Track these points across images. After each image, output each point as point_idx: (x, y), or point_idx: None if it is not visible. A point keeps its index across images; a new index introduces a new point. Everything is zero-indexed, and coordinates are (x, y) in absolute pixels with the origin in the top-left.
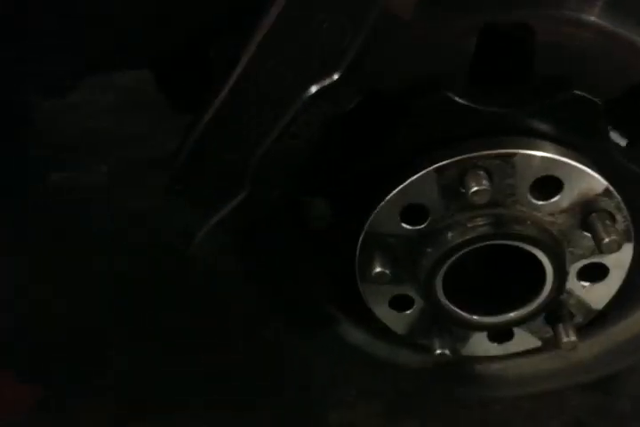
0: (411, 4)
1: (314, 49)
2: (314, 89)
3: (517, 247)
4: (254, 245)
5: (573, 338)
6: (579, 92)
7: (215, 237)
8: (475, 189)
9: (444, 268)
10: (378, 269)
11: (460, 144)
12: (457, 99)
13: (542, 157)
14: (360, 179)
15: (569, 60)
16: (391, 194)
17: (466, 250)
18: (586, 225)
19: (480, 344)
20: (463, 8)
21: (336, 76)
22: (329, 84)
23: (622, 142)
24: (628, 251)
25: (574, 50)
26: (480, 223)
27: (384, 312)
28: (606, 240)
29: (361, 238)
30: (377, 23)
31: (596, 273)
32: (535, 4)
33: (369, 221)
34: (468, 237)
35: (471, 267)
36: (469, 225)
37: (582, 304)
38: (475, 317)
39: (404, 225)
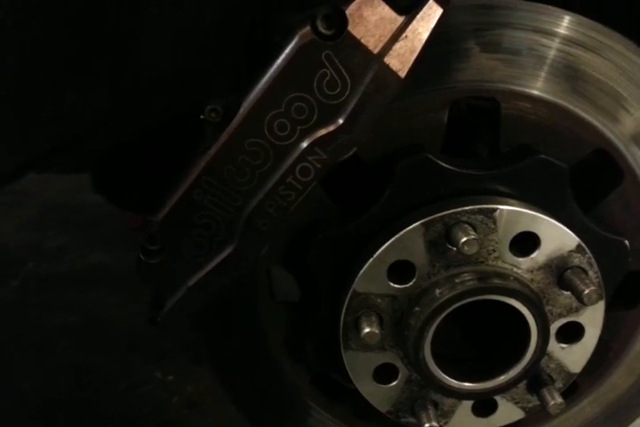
0: (408, 64)
1: (313, 101)
2: (311, 139)
3: (500, 310)
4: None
5: (560, 400)
6: (546, 158)
7: (188, 303)
8: (464, 239)
9: (433, 327)
10: (367, 330)
11: (442, 202)
12: (437, 161)
13: (521, 213)
14: (346, 239)
15: (531, 132)
16: (378, 251)
17: (455, 306)
18: (562, 282)
19: (465, 419)
20: (435, 84)
21: (333, 127)
22: (325, 135)
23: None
24: (600, 308)
25: (534, 124)
26: (467, 278)
27: (368, 387)
28: (586, 291)
29: (347, 300)
30: (375, 79)
31: (572, 333)
32: (500, 81)
33: (355, 281)
34: (456, 292)
35: (456, 333)
36: (457, 281)
37: (561, 367)
38: (464, 383)
39: (391, 284)
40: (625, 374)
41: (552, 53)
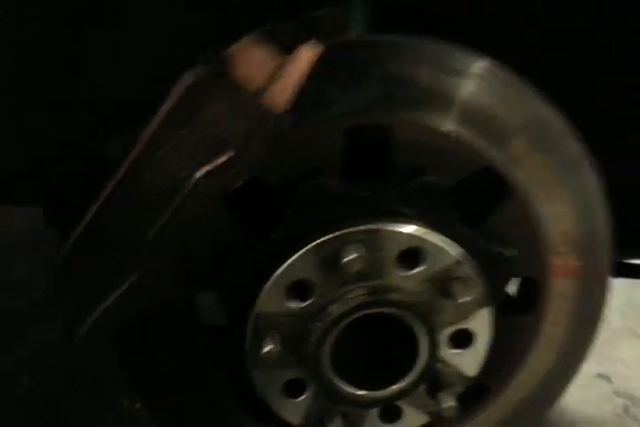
0: (286, 101)
1: (200, 137)
2: (201, 173)
3: (393, 321)
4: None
5: (452, 403)
6: (429, 179)
7: (105, 323)
8: (347, 258)
9: (331, 342)
10: (268, 348)
11: (336, 224)
12: (331, 186)
13: (403, 232)
14: (249, 263)
15: (421, 155)
16: (276, 273)
17: (348, 320)
18: (447, 293)
19: (374, 426)
20: (329, 110)
21: (224, 159)
22: (214, 169)
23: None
24: (487, 315)
25: (424, 148)
26: (358, 294)
27: (277, 402)
28: (462, 300)
29: (250, 321)
30: (257, 115)
31: (463, 340)
32: (390, 110)
33: (257, 303)
34: (348, 307)
35: (358, 345)
36: (349, 297)
37: (457, 372)
38: (364, 392)
39: (290, 303)
40: (529, 375)
41: (435, 84)
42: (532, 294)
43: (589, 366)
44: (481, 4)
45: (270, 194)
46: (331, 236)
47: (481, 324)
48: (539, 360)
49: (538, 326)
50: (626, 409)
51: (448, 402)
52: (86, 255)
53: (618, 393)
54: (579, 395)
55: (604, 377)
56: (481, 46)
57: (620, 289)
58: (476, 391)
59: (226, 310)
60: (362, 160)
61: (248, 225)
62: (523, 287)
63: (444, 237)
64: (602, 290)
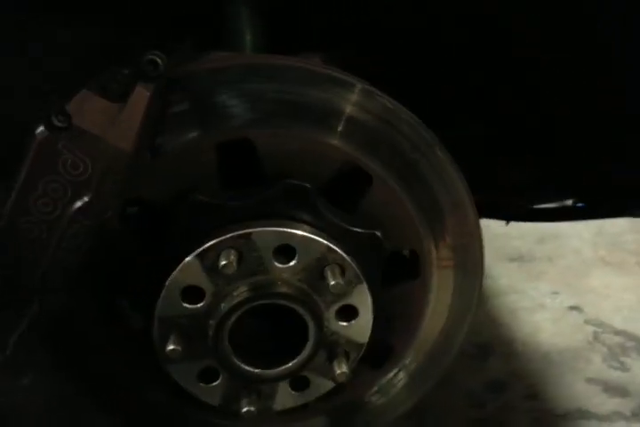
0: (131, 140)
1: (63, 181)
2: (71, 210)
3: (282, 308)
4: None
5: (345, 369)
6: (291, 181)
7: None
8: (222, 263)
9: (226, 333)
10: (170, 347)
11: (214, 233)
12: (206, 199)
13: (272, 231)
14: (147, 274)
15: (285, 161)
16: (168, 280)
17: (237, 314)
18: (324, 277)
19: (286, 397)
20: (194, 132)
21: (86, 199)
22: (82, 205)
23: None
24: (363, 290)
25: (287, 154)
26: (242, 290)
27: (196, 388)
28: (332, 283)
29: (155, 325)
30: (108, 156)
31: (348, 313)
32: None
33: (157, 308)
34: (233, 303)
35: (257, 332)
36: (235, 294)
37: (350, 341)
38: (269, 370)
39: (185, 305)
40: (429, 329)
41: (283, 97)
42: (416, 263)
43: (562, 300)
44: None
45: (159, 212)
46: (207, 245)
47: (361, 298)
48: (433, 318)
49: (426, 290)
50: (596, 336)
51: (341, 368)
52: None
53: (588, 322)
54: (551, 328)
55: (576, 308)
56: None
57: (593, 220)
58: (385, 351)
59: (139, 315)
60: (235, 172)
61: (145, 241)
62: (410, 256)
63: (312, 229)
64: (478, 249)
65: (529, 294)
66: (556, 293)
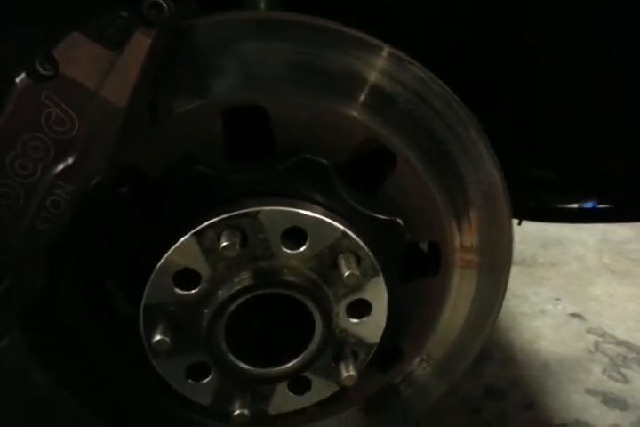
0: (126, 94)
1: (46, 139)
2: (53, 173)
3: (287, 298)
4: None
5: (352, 372)
6: (307, 156)
7: None
8: (223, 244)
9: (222, 324)
10: (157, 338)
11: (215, 209)
12: (208, 171)
13: (282, 211)
14: (137, 253)
15: (300, 133)
16: (159, 263)
17: (237, 303)
18: (337, 266)
19: (283, 399)
20: (200, 94)
21: (71, 160)
22: (65, 168)
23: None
24: (380, 284)
25: (302, 125)
26: (244, 277)
27: (183, 385)
28: (347, 274)
29: (141, 312)
30: (98, 112)
31: (361, 309)
32: (263, 89)
33: (145, 294)
34: (234, 290)
35: (256, 325)
36: (235, 280)
37: (359, 340)
38: (268, 369)
39: (178, 291)
40: (444, 334)
41: (299, 60)
42: (437, 257)
43: (564, 306)
44: None
45: (153, 183)
46: (206, 223)
47: (376, 292)
48: (449, 322)
49: (445, 288)
50: (597, 346)
51: (348, 371)
52: None
53: (590, 331)
54: (552, 335)
55: (577, 316)
56: None
57: (597, 227)
58: (393, 354)
59: (126, 299)
60: (243, 143)
61: (135, 216)
62: (429, 250)
63: (327, 212)
64: (507, 249)
65: (530, 300)
66: (557, 299)
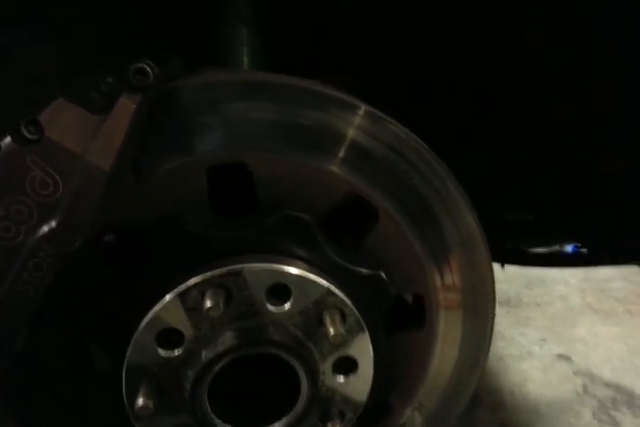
0: (111, 158)
1: (30, 202)
2: (36, 236)
3: (272, 357)
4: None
5: None
6: (290, 212)
7: None
8: (208, 305)
9: (206, 386)
10: (141, 403)
11: (199, 267)
12: (192, 228)
13: (266, 269)
14: (119, 312)
15: (282, 189)
16: (143, 322)
17: (220, 365)
18: (322, 323)
19: None
20: (184, 152)
21: (54, 223)
22: (49, 231)
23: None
24: (365, 340)
25: (284, 181)
26: (228, 337)
27: None
28: (332, 332)
29: (124, 373)
30: (83, 176)
31: (347, 366)
32: (245, 148)
33: (128, 354)
34: (218, 351)
35: (240, 385)
36: (219, 340)
37: (346, 399)
38: None
39: (161, 352)
40: (434, 381)
41: (280, 119)
42: (422, 309)
43: (550, 347)
44: None
45: (136, 235)
46: (191, 283)
47: (362, 349)
48: (438, 371)
49: (431, 337)
50: (585, 388)
51: None
52: None
53: (577, 372)
54: (540, 378)
55: (564, 357)
56: None
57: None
58: (381, 409)
59: (108, 360)
60: (227, 198)
61: (119, 275)
62: (413, 301)
63: (311, 268)
64: (489, 294)
65: (517, 341)
66: (543, 340)
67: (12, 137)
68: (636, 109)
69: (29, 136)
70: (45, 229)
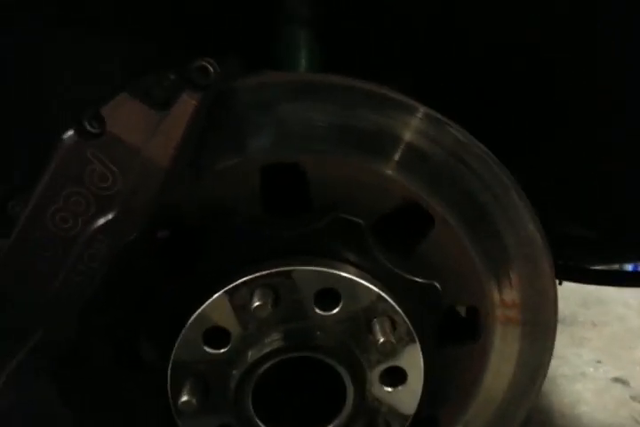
0: (169, 154)
1: (88, 194)
2: (93, 227)
3: (317, 362)
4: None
5: None
6: (343, 215)
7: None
8: (256, 304)
9: (250, 387)
10: (184, 398)
11: (250, 266)
12: (245, 226)
13: (316, 271)
14: (168, 309)
15: (336, 191)
16: (190, 320)
17: (266, 366)
18: (372, 331)
19: None
20: (240, 152)
21: (111, 215)
22: (105, 223)
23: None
24: (416, 351)
25: (338, 183)
26: (275, 338)
27: None
28: (381, 340)
29: (169, 370)
30: (141, 170)
31: (395, 377)
32: (301, 148)
33: (174, 351)
34: (263, 352)
35: (285, 388)
36: (266, 341)
37: (393, 410)
38: None
39: (207, 349)
40: (485, 401)
41: (336, 120)
42: (476, 322)
43: (606, 370)
44: None
45: (190, 237)
46: (240, 281)
47: (412, 360)
48: (491, 389)
49: (485, 353)
50: None
51: None
52: None
53: (635, 398)
54: (593, 401)
55: (621, 381)
56: None
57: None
58: (427, 423)
59: (155, 357)
60: (280, 198)
61: (170, 270)
62: (468, 316)
63: (362, 273)
64: (551, 312)
65: (571, 361)
66: (599, 362)
67: (74, 130)
68: (636, 109)
69: (92, 130)
70: (102, 220)
